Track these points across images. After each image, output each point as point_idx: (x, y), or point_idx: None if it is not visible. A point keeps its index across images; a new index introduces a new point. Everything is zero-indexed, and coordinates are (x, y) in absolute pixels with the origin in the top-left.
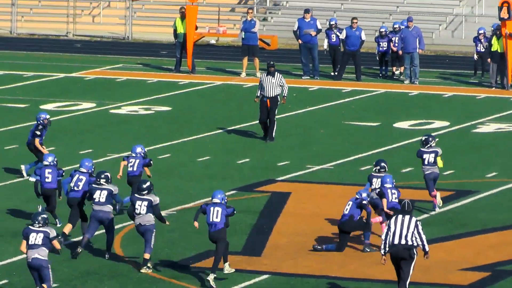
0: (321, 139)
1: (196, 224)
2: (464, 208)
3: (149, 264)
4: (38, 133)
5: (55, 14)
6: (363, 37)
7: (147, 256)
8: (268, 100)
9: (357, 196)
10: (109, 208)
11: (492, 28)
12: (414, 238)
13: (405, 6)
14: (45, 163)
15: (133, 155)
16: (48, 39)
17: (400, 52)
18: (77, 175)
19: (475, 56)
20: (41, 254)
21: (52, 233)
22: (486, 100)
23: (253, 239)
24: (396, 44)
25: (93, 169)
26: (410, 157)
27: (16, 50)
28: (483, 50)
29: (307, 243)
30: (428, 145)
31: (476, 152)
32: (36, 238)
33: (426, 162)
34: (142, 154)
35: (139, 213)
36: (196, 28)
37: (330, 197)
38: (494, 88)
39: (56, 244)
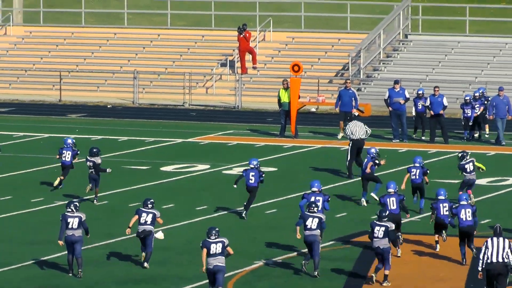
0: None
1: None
2: None
3: None
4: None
5: (173, 86)
6: (445, 102)
7: None
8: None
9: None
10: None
11: None
12: (507, 256)
13: (482, 77)
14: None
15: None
16: (166, 109)
17: (491, 117)
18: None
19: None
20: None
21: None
22: None
23: (351, 284)
24: (476, 110)
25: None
26: (490, 210)
27: (137, 119)
28: None
29: (399, 287)
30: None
31: None
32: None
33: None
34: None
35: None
36: (299, 97)
37: (415, 245)
38: None
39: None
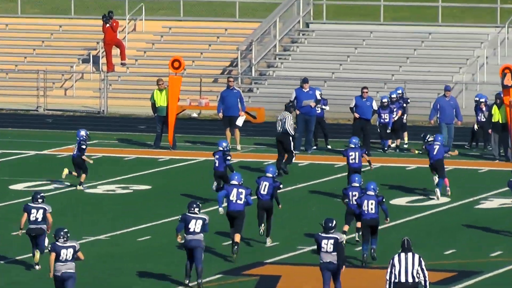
0: (312, 216)
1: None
2: None
3: None
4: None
5: (24, 87)
6: (375, 106)
7: None
8: None
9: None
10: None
11: (497, 99)
12: (418, 275)
13: (400, 74)
14: None
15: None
16: (16, 114)
17: (432, 122)
18: None
19: (476, 127)
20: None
21: None
22: (489, 174)
23: None
24: (394, 115)
25: None
26: (409, 234)
27: None
28: (484, 119)
29: None
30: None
31: (479, 230)
32: None
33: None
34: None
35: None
36: (178, 100)
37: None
38: (497, 160)
39: None
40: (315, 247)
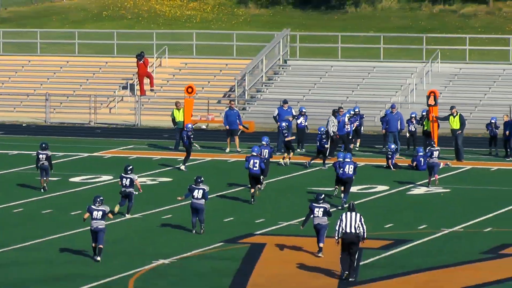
0: (290, 201)
1: None
2: (401, 254)
3: None
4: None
5: (80, 107)
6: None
7: None
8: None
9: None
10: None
11: (423, 113)
12: (358, 228)
13: (353, 97)
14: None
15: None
16: (74, 127)
17: (384, 131)
18: None
19: (407, 134)
20: None
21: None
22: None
23: (237, 280)
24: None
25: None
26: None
27: (49, 136)
28: (414, 129)
29: (282, 282)
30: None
31: (410, 210)
32: None
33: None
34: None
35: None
36: (191, 116)
37: (296, 246)
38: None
39: None
40: (292, 222)
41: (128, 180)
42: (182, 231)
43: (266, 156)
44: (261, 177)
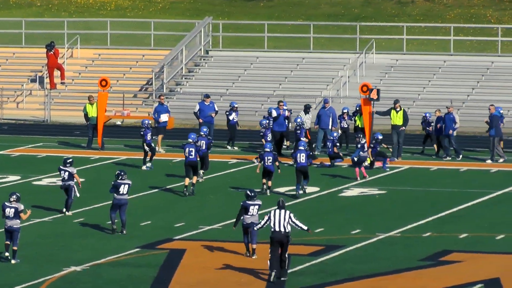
0: (211, 203)
1: None
2: (333, 260)
3: None
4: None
5: None
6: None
7: None
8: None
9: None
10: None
11: (357, 108)
12: (287, 226)
13: (280, 90)
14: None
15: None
16: None
17: (316, 127)
18: None
19: (339, 131)
20: None
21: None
22: (351, 169)
23: None
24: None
25: None
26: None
27: None
28: (347, 126)
29: None
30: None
31: (342, 213)
32: None
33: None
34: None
35: None
36: (105, 111)
37: (218, 252)
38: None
39: None
40: (214, 226)
41: (67, 173)
42: (96, 235)
43: (204, 148)
44: (201, 171)
